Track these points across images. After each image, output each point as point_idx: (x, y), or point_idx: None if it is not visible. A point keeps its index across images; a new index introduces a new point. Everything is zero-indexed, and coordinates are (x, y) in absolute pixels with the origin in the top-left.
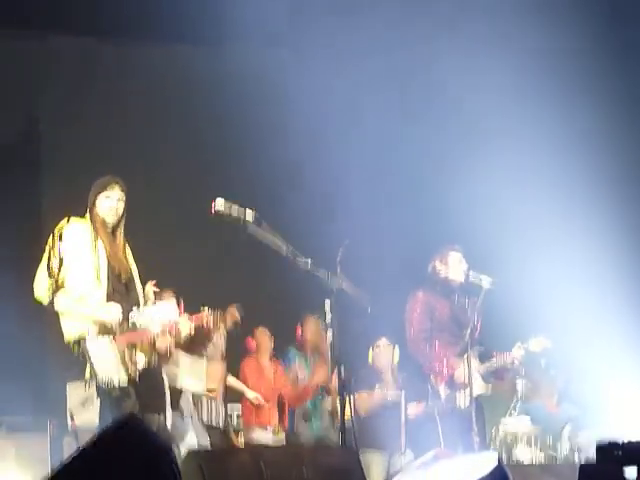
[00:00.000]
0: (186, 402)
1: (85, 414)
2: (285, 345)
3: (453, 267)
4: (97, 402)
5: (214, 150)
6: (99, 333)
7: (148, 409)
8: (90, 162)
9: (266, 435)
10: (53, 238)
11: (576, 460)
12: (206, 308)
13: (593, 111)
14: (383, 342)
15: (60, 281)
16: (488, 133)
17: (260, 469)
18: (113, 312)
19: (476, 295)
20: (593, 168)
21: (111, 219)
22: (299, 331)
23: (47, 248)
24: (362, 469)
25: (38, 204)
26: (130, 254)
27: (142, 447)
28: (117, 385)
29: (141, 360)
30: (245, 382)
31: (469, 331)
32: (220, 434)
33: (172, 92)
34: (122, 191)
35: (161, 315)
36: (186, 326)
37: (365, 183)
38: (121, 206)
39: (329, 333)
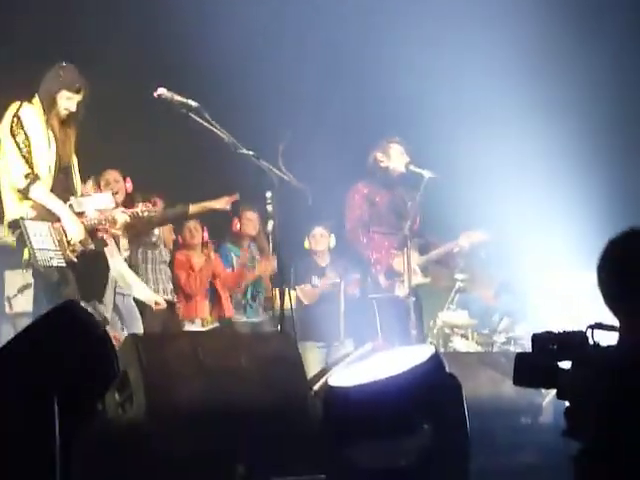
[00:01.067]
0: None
1: (22, 301)
2: (221, 238)
3: (395, 158)
4: (34, 287)
5: (158, 39)
6: (37, 217)
7: (88, 294)
8: (38, 47)
9: (195, 328)
10: (13, 120)
11: (512, 351)
12: (140, 203)
13: None
14: (319, 231)
15: (33, 167)
16: (430, 24)
17: (197, 355)
18: (76, 231)
19: (416, 188)
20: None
21: (65, 114)
22: (236, 224)
23: (8, 131)
24: (300, 357)
25: None
26: (72, 144)
27: (79, 333)
28: (55, 267)
29: (78, 245)
30: (177, 279)
31: (409, 223)
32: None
33: None
34: (84, 95)
35: (98, 204)
36: (122, 216)
37: (308, 75)
38: (78, 105)
39: (269, 224)
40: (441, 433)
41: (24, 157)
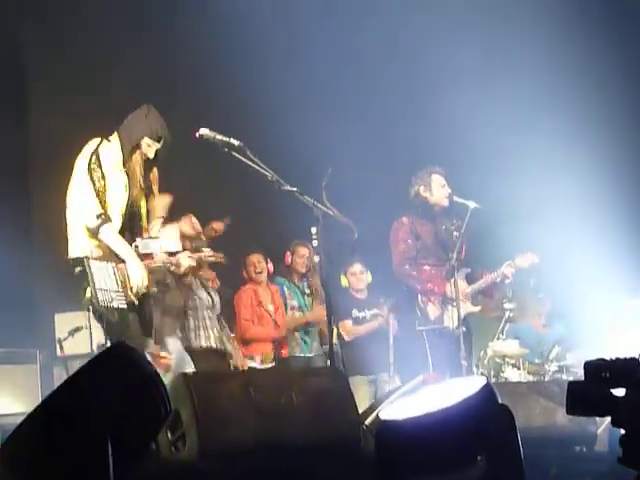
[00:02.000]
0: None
1: (73, 344)
2: (274, 272)
3: (436, 191)
4: (96, 326)
5: (198, 81)
6: (102, 257)
7: (148, 334)
8: (77, 91)
9: (255, 364)
10: (92, 157)
11: (564, 379)
12: (208, 249)
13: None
14: (358, 268)
15: (106, 207)
16: (467, 55)
17: (249, 393)
18: (139, 276)
19: (460, 218)
20: (578, 84)
21: (144, 159)
22: (288, 258)
23: (86, 167)
24: (351, 392)
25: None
26: (145, 187)
27: (129, 374)
28: (116, 308)
29: (140, 288)
30: (239, 313)
31: (455, 254)
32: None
33: (159, 21)
34: (164, 143)
35: (164, 247)
36: (187, 260)
37: (347, 110)
38: (156, 153)
39: (316, 259)
40: (495, 464)
41: (98, 196)
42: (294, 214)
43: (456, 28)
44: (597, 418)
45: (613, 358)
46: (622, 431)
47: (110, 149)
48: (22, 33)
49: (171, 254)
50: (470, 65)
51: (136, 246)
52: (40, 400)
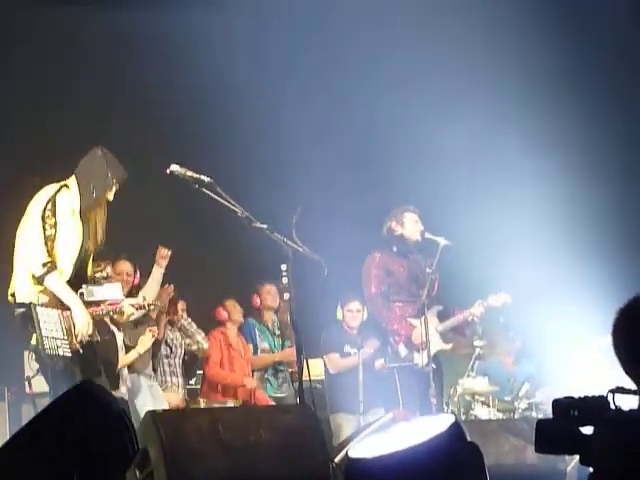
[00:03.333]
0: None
1: (42, 381)
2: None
3: (409, 227)
4: (42, 372)
5: (167, 119)
6: (48, 303)
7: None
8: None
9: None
10: (47, 204)
11: (534, 417)
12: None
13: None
14: (356, 306)
15: (53, 256)
16: (441, 94)
17: (217, 431)
18: (83, 324)
19: (432, 255)
20: (549, 124)
21: (102, 203)
22: (256, 300)
23: (40, 213)
24: (320, 428)
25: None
26: (99, 232)
27: (96, 412)
28: (62, 356)
29: (84, 336)
30: (210, 357)
31: (426, 291)
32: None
33: (125, 60)
34: (120, 184)
35: (107, 295)
36: (129, 309)
37: (317, 145)
38: (114, 195)
39: (286, 296)
40: None
41: (47, 245)
42: (264, 251)
43: (429, 67)
44: (566, 456)
45: (582, 396)
46: (590, 469)
47: (68, 196)
48: None
49: (113, 303)
50: (440, 103)
51: (81, 293)
52: (8, 437)
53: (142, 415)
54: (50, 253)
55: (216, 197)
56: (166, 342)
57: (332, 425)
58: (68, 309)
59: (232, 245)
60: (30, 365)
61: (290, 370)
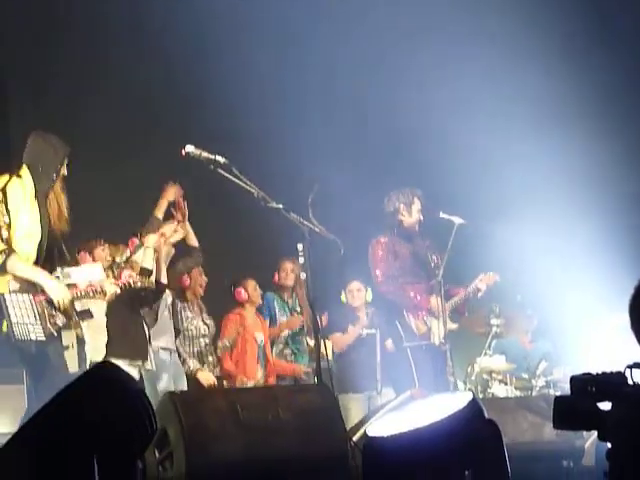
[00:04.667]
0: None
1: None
2: (265, 288)
3: (415, 214)
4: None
5: (180, 97)
6: (20, 289)
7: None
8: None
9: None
10: None
11: (551, 394)
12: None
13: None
14: (356, 285)
15: (10, 243)
16: (459, 77)
17: (236, 411)
18: (60, 293)
19: (437, 236)
20: (562, 106)
21: (58, 184)
22: (276, 276)
23: None
24: (338, 407)
25: None
26: (66, 213)
27: (115, 392)
28: (34, 340)
29: (61, 319)
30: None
31: (442, 271)
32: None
33: (135, 40)
34: (69, 160)
35: (87, 276)
36: (111, 287)
37: (334, 124)
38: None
39: (302, 275)
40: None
41: (0, 234)
42: (280, 231)
43: (440, 49)
44: (584, 432)
45: (599, 372)
46: (609, 445)
47: (20, 184)
48: None
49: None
50: (457, 86)
51: (56, 277)
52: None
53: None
54: (5, 241)
55: (232, 178)
56: (203, 320)
57: (340, 405)
58: (42, 293)
59: (249, 225)
60: None
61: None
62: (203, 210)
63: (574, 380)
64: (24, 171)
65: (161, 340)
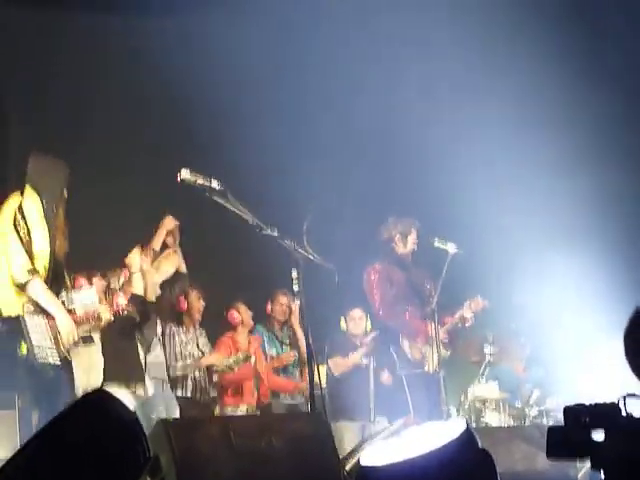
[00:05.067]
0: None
1: None
2: (256, 319)
3: (410, 244)
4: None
5: (177, 123)
6: (35, 312)
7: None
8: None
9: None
10: (16, 214)
11: (544, 424)
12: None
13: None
14: (357, 313)
15: (34, 262)
16: (456, 101)
17: (229, 438)
18: (67, 328)
19: (431, 264)
20: (554, 134)
21: (61, 206)
22: (269, 307)
23: (11, 225)
24: (332, 435)
25: None
26: (65, 235)
27: (109, 420)
28: (51, 365)
29: (69, 342)
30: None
31: (435, 299)
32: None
33: (129, 66)
34: (69, 182)
35: (83, 300)
36: (106, 313)
37: (328, 152)
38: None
39: (296, 302)
40: None
41: (27, 252)
42: (275, 258)
43: (436, 77)
44: (577, 463)
45: (593, 403)
46: (602, 476)
47: (32, 203)
48: None
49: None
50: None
51: (62, 301)
52: (19, 445)
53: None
54: (32, 259)
55: (227, 205)
56: (198, 346)
57: (334, 433)
58: (53, 318)
59: (242, 252)
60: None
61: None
62: (197, 236)
63: (568, 410)
64: (29, 191)
65: (152, 370)
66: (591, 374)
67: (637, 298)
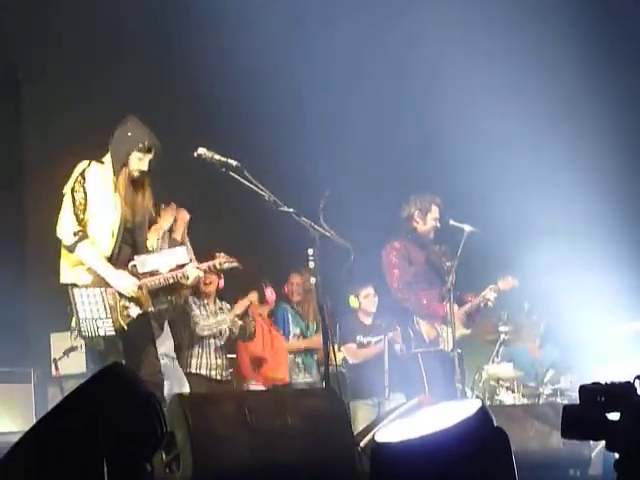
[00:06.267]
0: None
1: (69, 363)
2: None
3: (429, 221)
4: (83, 352)
5: (195, 101)
6: (93, 282)
7: (134, 360)
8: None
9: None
10: (77, 179)
11: (558, 403)
12: (222, 254)
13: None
14: (370, 291)
15: (84, 226)
16: (475, 81)
17: (244, 415)
18: (125, 284)
19: (452, 242)
20: (573, 114)
21: (137, 175)
22: (286, 288)
23: (70, 189)
24: (346, 412)
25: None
26: (151, 205)
27: (126, 394)
28: (103, 336)
29: (135, 309)
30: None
31: (451, 277)
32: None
33: (158, 39)
34: (155, 152)
35: (171, 261)
36: (194, 272)
37: (345, 131)
38: (150, 164)
39: (313, 281)
40: None
41: (76, 215)
42: (291, 235)
43: (459, 56)
44: (592, 442)
45: (608, 382)
46: (616, 455)
47: (100, 170)
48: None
49: (177, 267)
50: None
51: (133, 265)
52: (35, 419)
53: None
54: (80, 223)
55: (243, 181)
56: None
57: (350, 411)
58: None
59: (260, 229)
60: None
61: (317, 356)
62: (215, 213)
63: (583, 389)
64: (107, 158)
65: (161, 347)
66: (605, 354)
67: None
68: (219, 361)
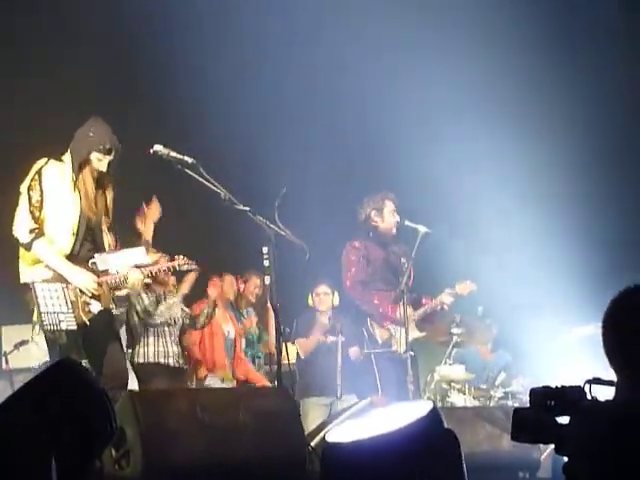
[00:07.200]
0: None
1: (19, 357)
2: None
3: (387, 217)
4: (33, 345)
5: (150, 99)
6: (53, 278)
7: (97, 356)
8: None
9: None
10: (34, 176)
11: (509, 406)
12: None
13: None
14: (323, 289)
15: (41, 223)
16: (431, 83)
17: (195, 412)
18: (83, 281)
19: (409, 243)
20: (546, 117)
21: (96, 175)
22: (241, 286)
23: (26, 187)
24: (298, 411)
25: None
26: (110, 202)
27: (76, 390)
28: (65, 330)
29: (96, 305)
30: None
31: (405, 279)
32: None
33: (116, 33)
34: (115, 155)
35: (129, 260)
36: (134, 276)
37: (300, 128)
38: (109, 166)
39: (267, 279)
40: None
41: (32, 213)
42: (246, 233)
43: (414, 54)
44: (541, 445)
45: (559, 386)
46: (565, 459)
47: (58, 168)
48: None
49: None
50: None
51: (93, 263)
52: None
53: None
54: (37, 221)
55: (199, 178)
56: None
57: (301, 409)
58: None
59: (214, 227)
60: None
61: (266, 354)
62: (170, 209)
63: (534, 393)
64: (67, 155)
65: None
66: (557, 358)
67: (608, 281)
68: (175, 349)
